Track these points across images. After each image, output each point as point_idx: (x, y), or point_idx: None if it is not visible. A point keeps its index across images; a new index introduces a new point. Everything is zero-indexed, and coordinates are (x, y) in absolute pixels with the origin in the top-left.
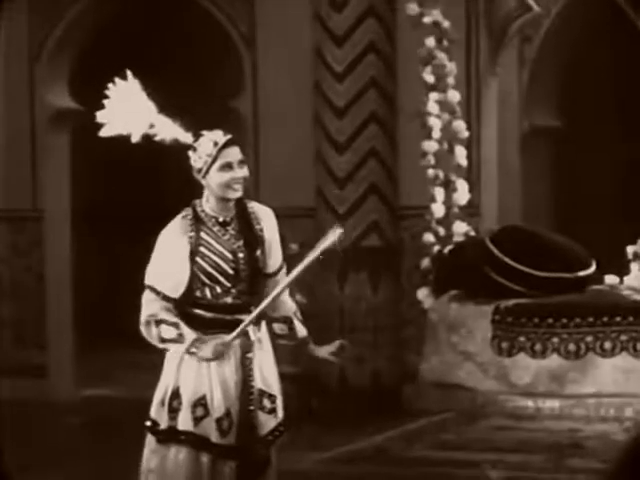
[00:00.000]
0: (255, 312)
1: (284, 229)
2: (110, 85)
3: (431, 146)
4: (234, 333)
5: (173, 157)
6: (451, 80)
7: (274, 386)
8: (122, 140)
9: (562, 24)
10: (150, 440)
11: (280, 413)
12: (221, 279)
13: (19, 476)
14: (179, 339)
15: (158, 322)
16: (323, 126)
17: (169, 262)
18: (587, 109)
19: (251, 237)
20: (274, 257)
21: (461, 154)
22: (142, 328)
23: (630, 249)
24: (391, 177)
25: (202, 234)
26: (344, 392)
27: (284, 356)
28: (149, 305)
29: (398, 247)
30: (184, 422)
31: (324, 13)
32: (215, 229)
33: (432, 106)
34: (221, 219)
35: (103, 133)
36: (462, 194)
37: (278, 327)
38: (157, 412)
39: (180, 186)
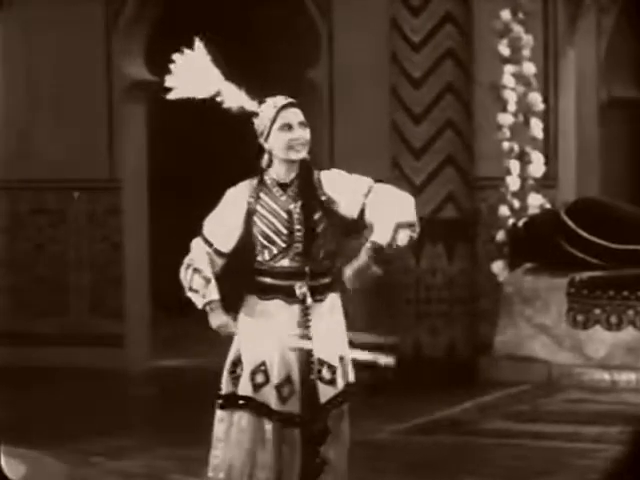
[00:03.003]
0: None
1: None
2: (177, 53)
3: (506, 119)
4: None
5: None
6: (527, 52)
7: (335, 356)
8: (196, 110)
9: None
10: (218, 409)
11: (340, 384)
12: (276, 239)
13: (95, 441)
14: (202, 293)
15: (195, 270)
16: (399, 97)
17: (224, 216)
18: None
19: (311, 199)
20: (351, 207)
21: (537, 126)
22: (181, 269)
23: None
24: (467, 148)
25: (262, 194)
26: (419, 363)
27: (360, 326)
28: (195, 250)
29: (474, 219)
30: (244, 388)
31: None
32: (274, 190)
33: (507, 79)
34: (282, 181)
35: (170, 96)
36: (537, 166)
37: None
38: (224, 379)
39: (248, 153)
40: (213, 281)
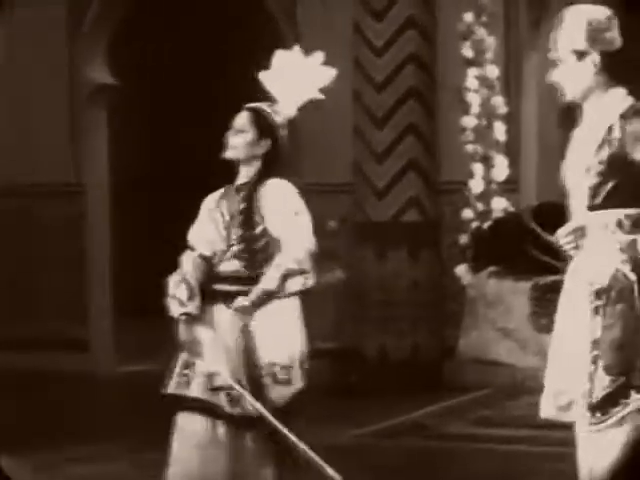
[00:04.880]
0: None
1: (323, 205)
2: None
3: (469, 121)
4: None
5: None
6: (490, 55)
7: (288, 356)
8: (160, 114)
9: None
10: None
11: (298, 383)
12: (219, 240)
13: (61, 447)
14: (183, 302)
15: (184, 280)
16: (362, 101)
17: (202, 221)
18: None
19: (251, 204)
20: (272, 228)
21: (500, 129)
22: (172, 279)
23: None
24: (430, 152)
25: (223, 199)
26: (384, 367)
27: (325, 331)
28: (185, 263)
29: (438, 222)
30: (195, 390)
31: None
32: (231, 192)
33: (471, 81)
34: (238, 184)
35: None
36: (501, 170)
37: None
38: (173, 380)
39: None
40: (198, 297)
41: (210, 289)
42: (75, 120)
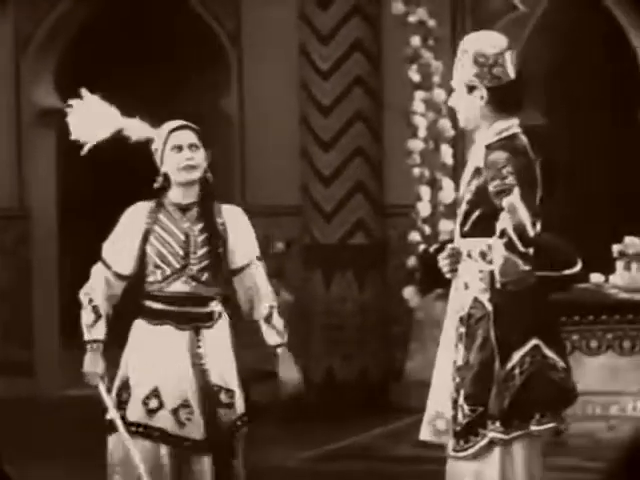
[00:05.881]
0: None
1: (270, 227)
2: (69, 105)
3: (416, 145)
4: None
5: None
6: (437, 79)
7: (231, 381)
8: (109, 139)
9: (547, 24)
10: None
11: (239, 408)
12: (171, 259)
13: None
14: (88, 329)
15: (90, 301)
16: (309, 124)
17: (122, 238)
18: (570, 108)
19: (210, 226)
20: (239, 254)
21: (447, 153)
22: (81, 295)
23: (616, 247)
24: (377, 175)
25: (160, 216)
26: (331, 389)
27: (272, 353)
28: (94, 277)
29: (384, 245)
30: (135, 413)
31: (310, 11)
32: (172, 212)
33: (418, 105)
34: (183, 204)
35: (84, 152)
36: (448, 192)
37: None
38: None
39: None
40: (103, 318)
41: (155, 309)
42: (22, 143)
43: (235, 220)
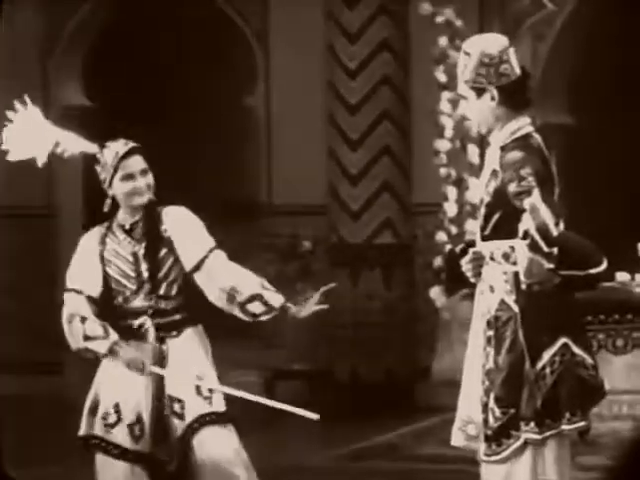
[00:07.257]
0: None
1: (296, 227)
2: (10, 113)
3: (443, 145)
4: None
5: None
6: None
7: (185, 390)
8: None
9: (575, 22)
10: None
11: (189, 417)
12: (126, 282)
13: (25, 470)
14: (105, 336)
15: (83, 319)
16: (336, 123)
17: (82, 263)
18: (598, 107)
19: (154, 239)
20: (191, 253)
21: (473, 152)
22: (65, 326)
23: None
24: (404, 174)
25: (108, 240)
26: (356, 389)
27: (298, 353)
28: (72, 303)
29: (411, 244)
30: (98, 428)
31: (337, 10)
32: (119, 234)
33: (444, 105)
34: (127, 226)
35: (10, 158)
36: (474, 192)
37: (252, 307)
38: (83, 420)
39: None
40: (106, 324)
41: (119, 326)
42: None
43: (177, 221)
